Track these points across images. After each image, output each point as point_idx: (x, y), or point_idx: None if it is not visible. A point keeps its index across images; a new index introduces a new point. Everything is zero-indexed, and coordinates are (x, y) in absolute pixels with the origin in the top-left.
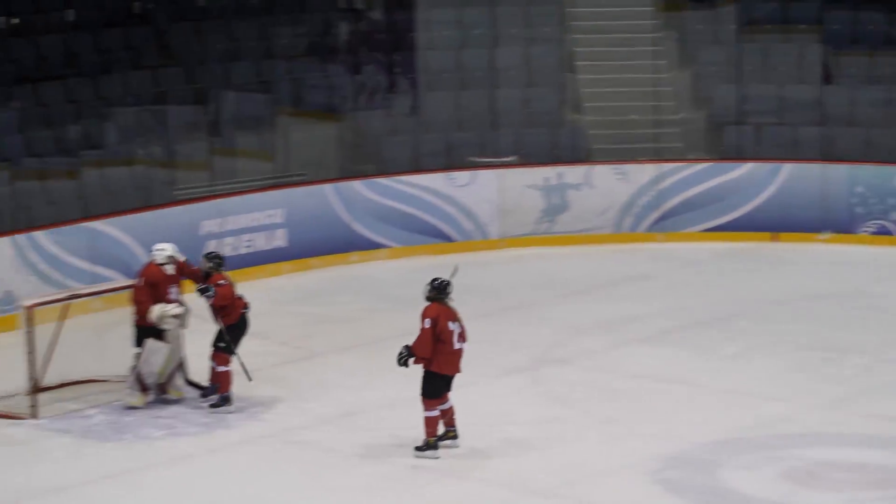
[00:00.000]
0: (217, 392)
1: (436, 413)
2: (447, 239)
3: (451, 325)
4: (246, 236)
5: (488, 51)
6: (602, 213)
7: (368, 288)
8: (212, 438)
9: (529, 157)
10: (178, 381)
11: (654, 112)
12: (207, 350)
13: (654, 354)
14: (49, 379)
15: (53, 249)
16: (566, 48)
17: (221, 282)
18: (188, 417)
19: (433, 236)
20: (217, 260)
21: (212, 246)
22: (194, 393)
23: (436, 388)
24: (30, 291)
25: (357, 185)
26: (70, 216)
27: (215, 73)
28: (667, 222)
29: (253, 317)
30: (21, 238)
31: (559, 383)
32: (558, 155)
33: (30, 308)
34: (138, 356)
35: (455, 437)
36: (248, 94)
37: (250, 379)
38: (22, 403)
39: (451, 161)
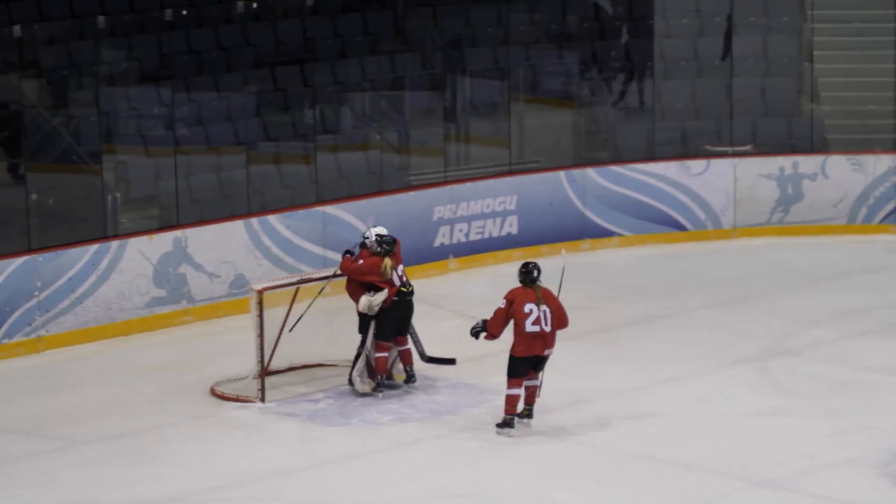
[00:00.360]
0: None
1: (516, 392)
2: (679, 228)
3: (528, 308)
4: (478, 222)
5: (725, 39)
6: (836, 203)
7: (599, 276)
8: (438, 424)
9: (765, 147)
10: (401, 364)
11: (893, 102)
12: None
13: (884, 347)
14: (277, 363)
15: (286, 233)
16: (805, 37)
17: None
18: (415, 403)
19: (665, 225)
20: (386, 246)
21: (443, 232)
22: (420, 376)
23: (515, 368)
24: (262, 275)
25: (590, 173)
26: (304, 200)
27: (452, 59)
28: None
29: (483, 303)
30: (254, 221)
31: (788, 374)
32: (794, 145)
33: (260, 292)
34: (364, 342)
35: (529, 415)
36: (484, 81)
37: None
38: (250, 387)
39: (685, 149)
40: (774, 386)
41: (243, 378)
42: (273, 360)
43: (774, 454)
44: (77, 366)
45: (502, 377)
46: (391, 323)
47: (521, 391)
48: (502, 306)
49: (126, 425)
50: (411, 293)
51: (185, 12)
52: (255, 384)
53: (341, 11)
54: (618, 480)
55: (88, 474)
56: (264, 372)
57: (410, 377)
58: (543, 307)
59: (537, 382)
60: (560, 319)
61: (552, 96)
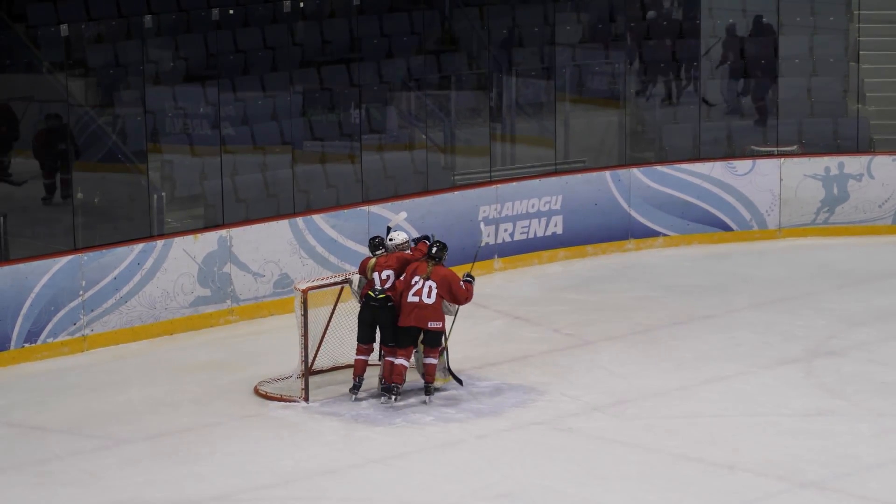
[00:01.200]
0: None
1: (400, 361)
2: (725, 228)
3: (415, 279)
4: (522, 222)
5: (772, 39)
6: (882, 204)
7: (643, 276)
8: (481, 424)
9: (811, 147)
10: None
11: None
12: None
13: None
14: (321, 363)
15: (331, 233)
16: (851, 37)
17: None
18: (459, 403)
19: (710, 225)
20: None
21: (487, 231)
22: (464, 376)
23: (401, 339)
24: (306, 274)
25: (636, 173)
26: (349, 200)
27: (498, 59)
28: None
29: (528, 304)
30: (300, 221)
31: (832, 375)
32: (840, 145)
33: (305, 291)
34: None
35: (427, 392)
36: (530, 80)
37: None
38: (294, 386)
39: (731, 150)
40: (819, 386)
41: (287, 377)
42: (317, 359)
43: (819, 455)
44: (121, 365)
45: (546, 377)
46: (361, 325)
47: (402, 361)
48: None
49: (170, 424)
50: (379, 300)
51: (231, 12)
52: (299, 384)
53: (388, 11)
54: (660, 480)
55: (132, 473)
56: (308, 371)
57: (386, 389)
58: (429, 282)
59: (435, 361)
60: (453, 295)
61: (598, 96)
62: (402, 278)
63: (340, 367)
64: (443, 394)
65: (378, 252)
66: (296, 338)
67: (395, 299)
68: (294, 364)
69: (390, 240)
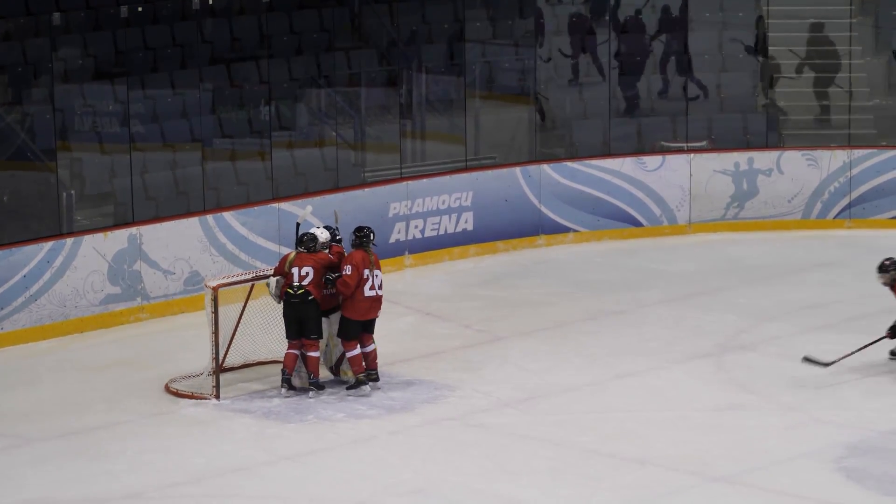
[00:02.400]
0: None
1: (356, 352)
2: (635, 223)
3: (366, 273)
4: (433, 219)
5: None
6: (791, 199)
7: (554, 272)
8: (393, 420)
9: (720, 142)
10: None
11: (848, 98)
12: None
13: (839, 342)
14: (232, 360)
15: (241, 230)
16: (760, 33)
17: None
18: (370, 400)
19: (621, 220)
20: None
21: (398, 228)
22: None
23: (349, 331)
24: (217, 272)
25: (546, 169)
26: (259, 197)
27: (407, 56)
28: (856, 209)
29: (439, 300)
30: (210, 218)
31: (743, 369)
32: (749, 140)
33: (216, 288)
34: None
35: (376, 379)
36: (440, 77)
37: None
38: (205, 383)
39: (641, 145)
40: (730, 381)
41: (198, 375)
42: (228, 357)
43: (729, 449)
44: (31, 363)
45: (457, 373)
46: (287, 322)
47: (357, 352)
48: (348, 273)
49: (81, 423)
50: (300, 296)
51: (140, 9)
52: (210, 381)
53: (297, 8)
54: (572, 476)
55: (44, 472)
56: (219, 369)
57: (315, 384)
58: (377, 272)
59: (375, 346)
60: None
61: (508, 93)
62: (347, 273)
63: (251, 364)
64: (354, 390)
65: (300, 249)
66: (206, 335)
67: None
68: (205, 361)
69: (313, 238)
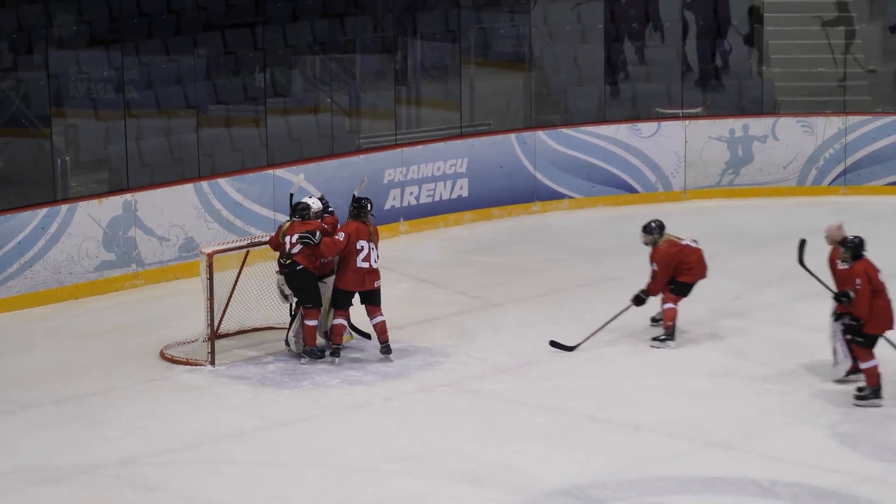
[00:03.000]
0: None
1: (341, 321)
2: (630, 190)
3: (360, 244)
4: (428, 185)
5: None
6: (787, 165)
7: (549, 238)
8: (388, 387)
9: (715, 109)
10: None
11: (843, 64)
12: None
13: (831, 308)
14: (227, 326)
15: (236, 196)
16: (755, 0)
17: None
18: (365, 366)
19: (616, 187)
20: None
21: (393, 195)
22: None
23: (340, 300)
24: (212, 238)
25: (541, 135)
26: (254, 163)
27: (403, 22)
28: (851, 175)
29: (434, 266)
30: (205, 185)
31: (738, 336)
32: (744, 107)
33: (210, 255)
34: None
35: (388, 351)
36: (435, 43)
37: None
38: (200, 350)
39: (636, 112)
40: (724, 347)
41: (193, 341)
42: (223, 323)
43: (724, 415)
44: (26, 330)
45: (452, 339)
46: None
47: (345, 321)
48: (341, 239)
49: (76, 389)
50: (288, 266)
51: None
52: (205, 347)
53: None
54: (567, 441)
55: (39, 438)
56: (214, 335)
57: (307, 352)
58: (372, 244)
59: (383, 317)
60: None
61: (504, 59)
62: (339, 238)
63: (246, 330)
64: (349, 356)
65: (294, 217)
66: (201, 301)
67: (331, 264)
68: (200, 328)
69: (306, 207)
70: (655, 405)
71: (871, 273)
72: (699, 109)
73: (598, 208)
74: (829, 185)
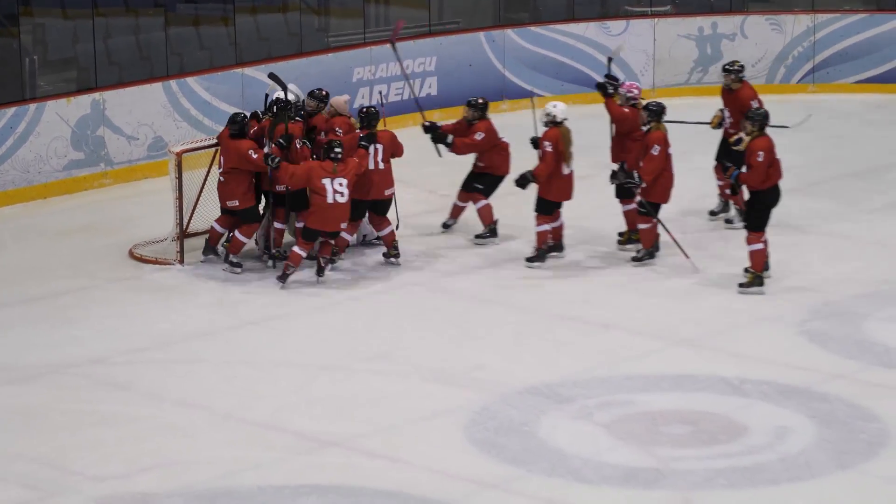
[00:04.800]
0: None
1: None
2: None
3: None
4: (397, 84)
5: None
6: (755, 63)
7: (517, 136)
8: (358, 286)
9: (684, 7)
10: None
11: None
12: None
13: (804, 205)
14: (196, 225)
15: (205, 95)
16: None
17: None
18: (336, 265)
19: (585, 85)
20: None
21: (362, 94)
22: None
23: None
24: (181, 137)
25: (510, 34)
26: (223, 62)
27: None
28: (820, 73)
29: (403, 165)
30: (173, 84)
31: (706, 234)
32: (713, 5)
33: (179, 154)
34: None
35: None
36: None
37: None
38: (169, 249)
39: (605, 10)
40: (694, 245)
41: (162, 240)
42: (192, 222)
43: (693, 314)
44: None
45: (421, 238)
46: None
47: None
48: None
49: (46, 288)
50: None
51: None
52: (174, 246)
53: None
54: (537, 340)
55: (9, 337)
56: (183, 234)
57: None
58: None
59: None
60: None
61: None
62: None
63: None
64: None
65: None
66: (170, 201)
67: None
68: (169, 227)
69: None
70: (624, 304)
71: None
72: (668, 7)
73: (568, 106)
74: (798, 83)
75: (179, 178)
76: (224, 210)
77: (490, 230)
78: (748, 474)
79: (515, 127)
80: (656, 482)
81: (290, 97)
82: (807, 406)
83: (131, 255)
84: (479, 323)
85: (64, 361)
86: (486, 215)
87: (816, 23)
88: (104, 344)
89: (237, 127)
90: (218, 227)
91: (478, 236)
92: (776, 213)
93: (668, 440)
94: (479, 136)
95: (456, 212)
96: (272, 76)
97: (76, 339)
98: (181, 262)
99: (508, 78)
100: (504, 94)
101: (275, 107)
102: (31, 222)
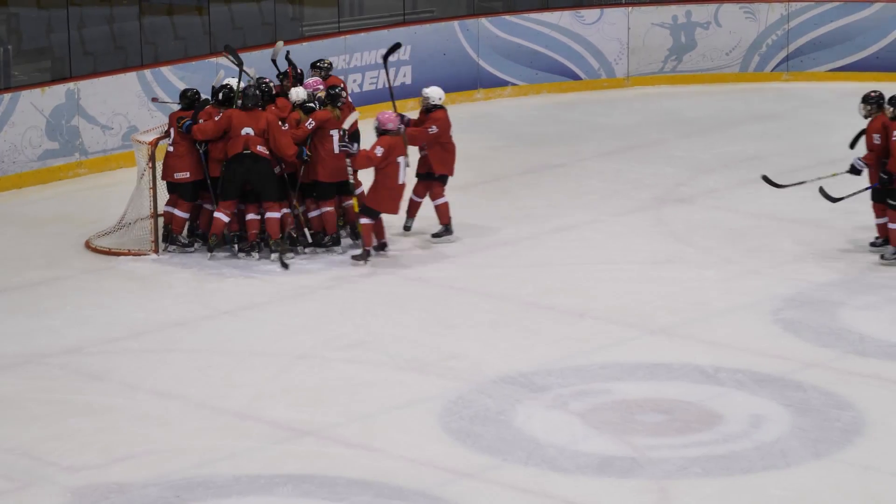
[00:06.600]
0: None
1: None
2: (573, 77)
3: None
4: (371, 73)
5: None
6: (729, 52)
7: (492, 125)
8: (332, 275)
9: None
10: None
11: None
12: None
13: (776, 194)
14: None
15: (179, 85)
16: None
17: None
18: (311, 255)
19: (559, 74)
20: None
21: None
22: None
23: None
24: (155, 126)
25: (484, 23)
26: (197, 51)
27: None
28: (794, 62)
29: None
30: (148, 73)
31: (681, 222)
32: None
33: (153, 143)
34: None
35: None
36: None
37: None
38: (143, 238)
39: None
40: (668, 234)
41: (114, 230)
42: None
43: (668, 301)
44: None
45: (395, 229)
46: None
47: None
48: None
49: (20, 278)
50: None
51: None
52: (149, 236)
53: None
54: (512, 329)
55: None
56: (156, 224)
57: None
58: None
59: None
60: None
61: None
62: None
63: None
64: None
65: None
66: (145, 190)
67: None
68: (143, 216)
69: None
70: (600, 292)
71: None
72: None
73: (542, 95)
74: (772, 71)
75: (154, 168)
76: (171, 187)
77: (446, 228)
78: (723, 463)
79: (489, 116)
80: (631, 471)
81: (244, 80)
82: (782, 394)
83: (87, 246)
84: (454, 311)
85: (39, 351)
86: (444, 214)
87: (790, 11)
88: (79, 334)
89: (187, 101)
90: (179, 213)
91: (434, 235)
92: (749, 198)
93: (643, 429)
94: (432, 129)
95: (413, 209)
96: (228, 48)
97: (51, 328)
98: (156, 251)
99: (483, 67)
100: (479, 83)
101: (220, 94)
102: (5, 212)
